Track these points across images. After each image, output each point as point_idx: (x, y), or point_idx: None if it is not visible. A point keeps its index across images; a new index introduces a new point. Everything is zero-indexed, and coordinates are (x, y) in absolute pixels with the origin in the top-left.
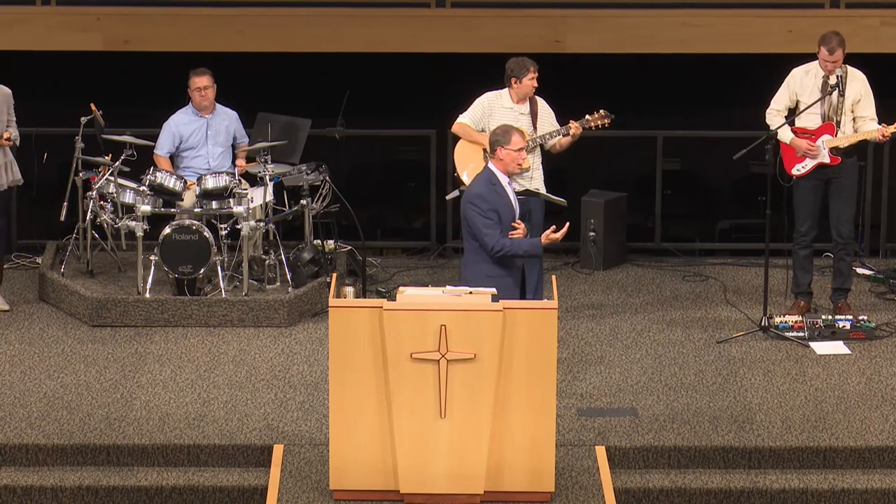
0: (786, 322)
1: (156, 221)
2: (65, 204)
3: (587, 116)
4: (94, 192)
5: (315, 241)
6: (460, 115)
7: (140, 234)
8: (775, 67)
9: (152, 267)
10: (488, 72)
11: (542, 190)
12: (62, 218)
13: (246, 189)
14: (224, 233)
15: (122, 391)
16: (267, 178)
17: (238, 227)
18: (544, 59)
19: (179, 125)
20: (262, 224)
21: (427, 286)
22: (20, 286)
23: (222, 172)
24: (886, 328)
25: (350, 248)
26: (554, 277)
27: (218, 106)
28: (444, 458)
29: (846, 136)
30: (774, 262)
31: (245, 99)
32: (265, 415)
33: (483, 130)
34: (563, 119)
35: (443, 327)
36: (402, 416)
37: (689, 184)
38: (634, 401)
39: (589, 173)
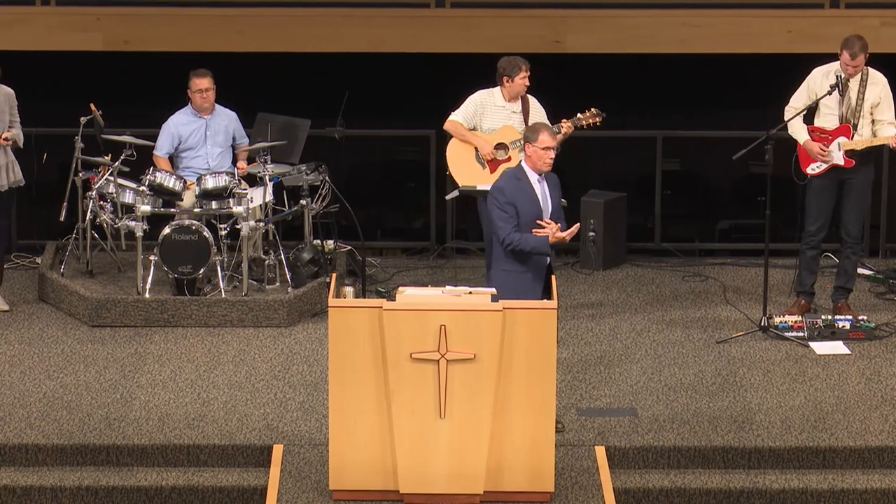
0: (785, 322)
1: (155, 221)
2: (64, 204)
3: (578, 115)
4: (94, 193)
5: (315, 242)
6: (452, 113)
7: (140, 234)
8: (775, 67)
9: (152, 267)
10: (488, 72)
11: None
12: (62, 218)
13: (245, 189)
14: (224, 233)
15: (121, 391)
16: (266, 178)
17: (238, 227)
18: (544, 60)
19: (178, 126)
20: (261, 224)
21: (427, 286)
22: (20, 286)
23: (222, 172)
24: (886, 328)
25: (350, 248)
26: (553, 277)
27: (217, 106)
28: (443, 458)
29: (862, 140)
30: (774, 262)
31: (245, 99)
32: (265, 415)
33: (475, 128)
34: (556, 118)
35: (442, 327)
36: (402, 416)
37: (689, 184)
38: (634, 401)
39: (588, 173)
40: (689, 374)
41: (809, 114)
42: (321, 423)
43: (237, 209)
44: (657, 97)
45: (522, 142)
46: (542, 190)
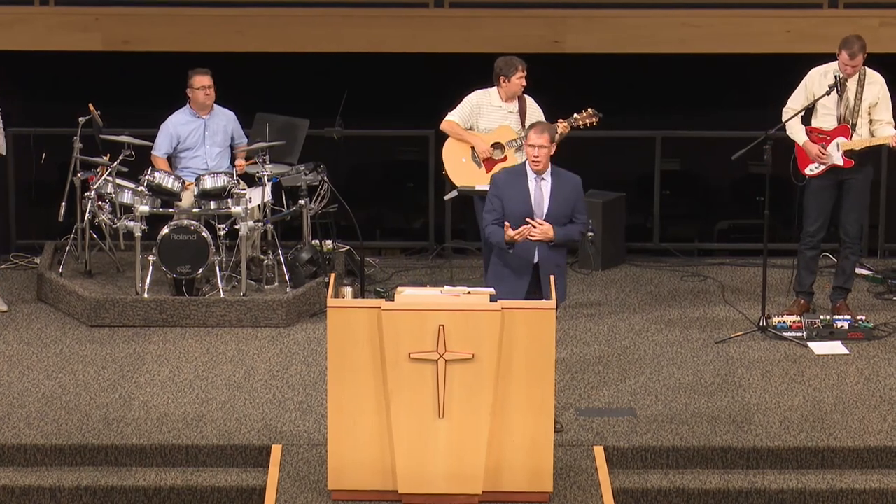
0: (784, 322)
1: (154, 221)
2: (63, 204)
3: (575, 115)
4: (93, 193)
5: (313, 242)
6: (449, 113)
7: (138, 234)
8: (774, 67)
9: (150, 267)
10: (488, 72)
11: None
12: (60, 218)
13: (244, 189)
14: (222, 233)
15: (120, 391)
16: (265, 178)
17: (236, 227)
18: (544, 60)
19: (177, 126)
20: (260, 224)
21: (425, 286)
22: (18, 286)
23: (220, 173)
24: (885, 328)
25: (348, 248)
26: (552, 277)
27: (215, 106)
28: (442, 458)
29: (861, 140)
30: (773, 262)
31: (245, 99)
32: (263, 415)
33: (471, 128)
34: (556, 118)
35: (441, 327)
36: (401, 416)
37: (688, 184)
38: (633, 401)
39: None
40: (688, 374)
41: (807, 114)
42: (320, 423)
43: (236, 209)
44: (657, 97)
45: (518, 141)
46: (538, 189)
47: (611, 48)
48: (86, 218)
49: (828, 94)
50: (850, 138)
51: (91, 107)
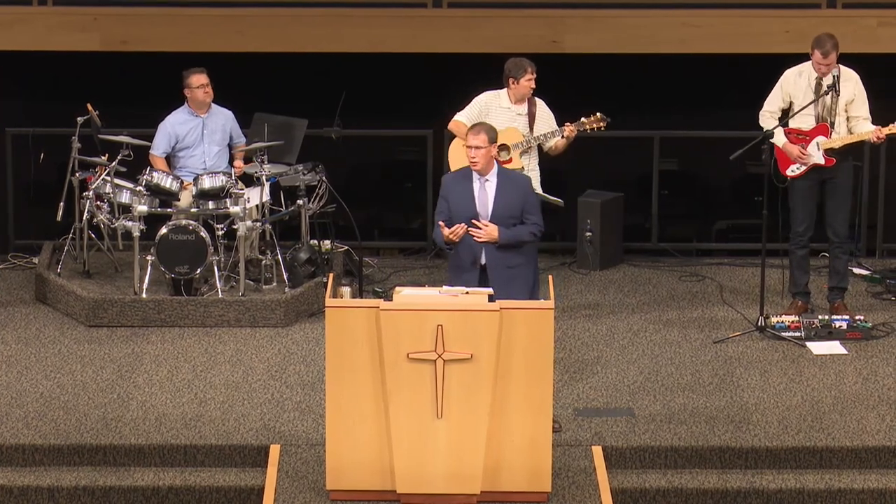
0: (782, 322)
1: (152, 221)
2: (61, 204)
3: (582, 119)
4: (91, 193)
5: (312, 242)
6: (457, 114)
7: (136, 234)
8: (774, 67)
9: (149, 267)
10: (488, 72)
11: (539, 191)
12: (59, 218)
13: (242, 189)
14: (220, 233)
15: (118, 391)
16: (263, 178)
17: (234, 227)
18: (544, 60)
19: (175, 125)
20: (258, 224)
21: (424, 286)
22: (17, 286)
23: (219, 172)
24: (883, 328)
25: (347, 248)
26: (551, 277)
27: (213, 105)
28: (441, 458)
29: (841, 138)
30: (771, 262)
31: (244, 99)
32: (262, 415)
33: None
34: (559, 120)
35: (439, 327)
36: (400, 416)
37: (687, 184)
38: (631, 401)
39: (586, 173)
40: (686, 374)
41: (784, 116)
42: (318, 423)
43: (234, 209)
44: (656, 97)
45: (525, 144)
46: (482, 190)
47: (610, 48)
48: (84, 218)
49: (826, 93)
50: (830, 137)
51: (89, 107)
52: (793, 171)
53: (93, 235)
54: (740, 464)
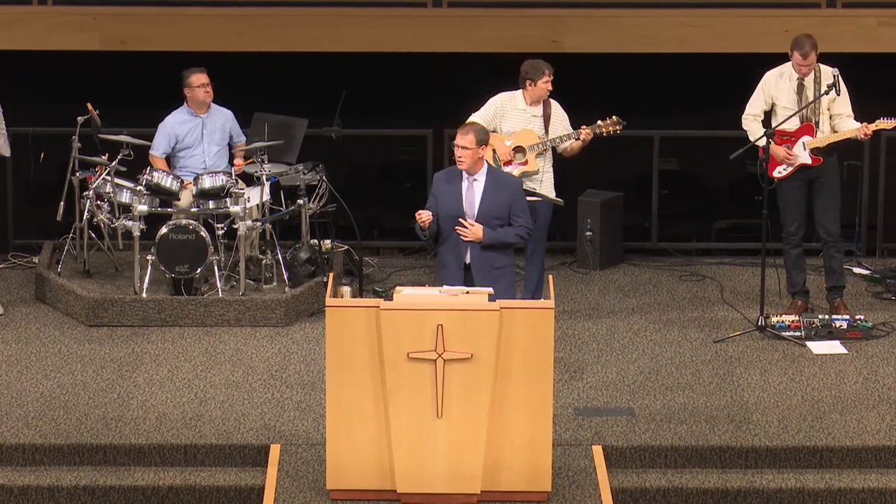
0: (782, 321)
1: (152, 221)
2: (61, 204)
3: (599, 122)
4: (91, 192)
5: (312, 241)
6: (473, 114)
7: (137, 233)
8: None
9: (149, 267)
10: (488, 71)
11: (552, 194)
12: (59, 218)
13: (242, 189)
14: (221, 232)
15: (118, 391)
16: (263, 177)
17: (235, 226)
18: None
19: (175, 125)
20: (258, 224)
21: (424, 286)
22: (17, 286)
23: (219, 172)
24: (883, 328)
25: (347, 247)
26: (551, 277)
27: (213, 105)
28: (441, 457)
29: (826, 137)
30: (771, 261)
31: (244, 99)
32: (262, 414)
33: (494, 130)
34: (574, 123)
35: (440, 327)
36: (400, 415)
37: (687, 184)
38: (631, 400)
39: (586, 173)
40: (687, 373)
41: (766, 118)
42: (318, 423)
43: (234, 209)
44: (656, 97)
45: (541, 146)
46: (470, 189)
47: (610, 48)
48: (84, 217)
49: (826, 93)
50: (815, 136)
51: (89, 106)
52: (780, 172)
53: (93, 235)
54: (740, 463)
